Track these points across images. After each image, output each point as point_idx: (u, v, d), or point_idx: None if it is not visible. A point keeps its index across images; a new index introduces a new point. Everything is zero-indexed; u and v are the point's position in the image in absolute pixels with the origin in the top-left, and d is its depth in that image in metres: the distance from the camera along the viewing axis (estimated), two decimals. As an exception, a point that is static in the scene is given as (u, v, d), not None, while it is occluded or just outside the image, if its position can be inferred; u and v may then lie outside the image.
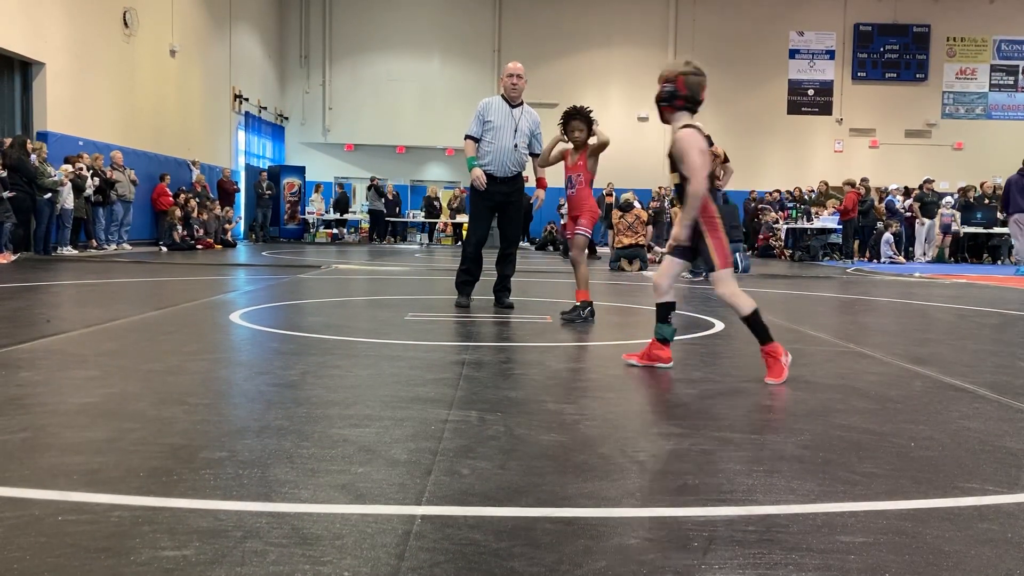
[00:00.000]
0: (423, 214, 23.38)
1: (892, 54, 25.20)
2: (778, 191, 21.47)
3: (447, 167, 25.88)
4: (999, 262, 17.73)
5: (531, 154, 6.14)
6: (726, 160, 10.15)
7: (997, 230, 17.74)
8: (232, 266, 11.34)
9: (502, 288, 6.26)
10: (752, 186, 21.97)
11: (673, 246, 3.69)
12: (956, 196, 18.86)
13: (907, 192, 19.09)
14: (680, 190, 3.61)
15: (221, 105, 20.42)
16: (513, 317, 5.70)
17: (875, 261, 16.83)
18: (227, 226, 18.22)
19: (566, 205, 5.80)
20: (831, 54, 25.29)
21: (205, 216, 16.98)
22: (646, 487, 2.05)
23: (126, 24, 15.57)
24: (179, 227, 15.88)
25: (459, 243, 21.26)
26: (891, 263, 16.38)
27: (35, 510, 1.79)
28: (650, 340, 3.80)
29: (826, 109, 25.43)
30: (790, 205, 20.25)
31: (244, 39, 21.68)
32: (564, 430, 2.60)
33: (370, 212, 22.80)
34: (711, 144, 11.76)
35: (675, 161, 3.60)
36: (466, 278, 6.24)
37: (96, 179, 13.58)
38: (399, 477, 2.07)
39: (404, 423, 2.61)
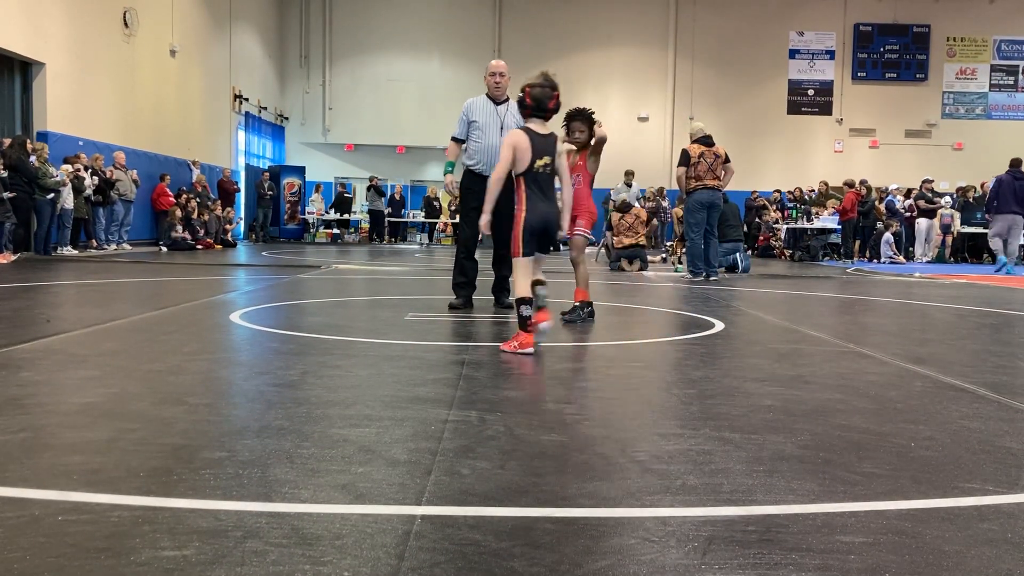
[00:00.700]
0: (423, 214, 23.38)
1: (892, 54, 25.20)
2: (778, 191, 21.47)
3: (447, 167, 25.85)
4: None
5: None
6: (727, 160, 10.15)
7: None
8: (232, 266, 11.34)
9: (501, 288, 6.26)
10: (752, 186, 21.94)
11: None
12: (955, 196, 18.87)
13: (908, 194, 19.07)
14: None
15: (221, 105, 20.42)
16: (513, 317, 5.66)
17: (875, 261, 16.83)
18: (227, 226, 18.23)
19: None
20: (831, 54, 25.28)
21: (206, 216, 16.98)
22: (646, 487, 2.05)
23: (126, 24, 15.57)
24: (179, 227, 15.88)
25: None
26: (891, 263, 16.38)
27: (35, 510, 1.79)
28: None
29: (826, 109, 25.42)
30: (790, 205, 20.25)
31: (244, 39, 21.69)
32: (564, 430, 2.59)
33: (370, 212, 22.80)
34: (712, 144, 11.70)
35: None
36: (461, 279, 6.23)
37: (95, 179, 13.58)
38: (399, 477, 2.06)
39: (404, 423, 2.61)
